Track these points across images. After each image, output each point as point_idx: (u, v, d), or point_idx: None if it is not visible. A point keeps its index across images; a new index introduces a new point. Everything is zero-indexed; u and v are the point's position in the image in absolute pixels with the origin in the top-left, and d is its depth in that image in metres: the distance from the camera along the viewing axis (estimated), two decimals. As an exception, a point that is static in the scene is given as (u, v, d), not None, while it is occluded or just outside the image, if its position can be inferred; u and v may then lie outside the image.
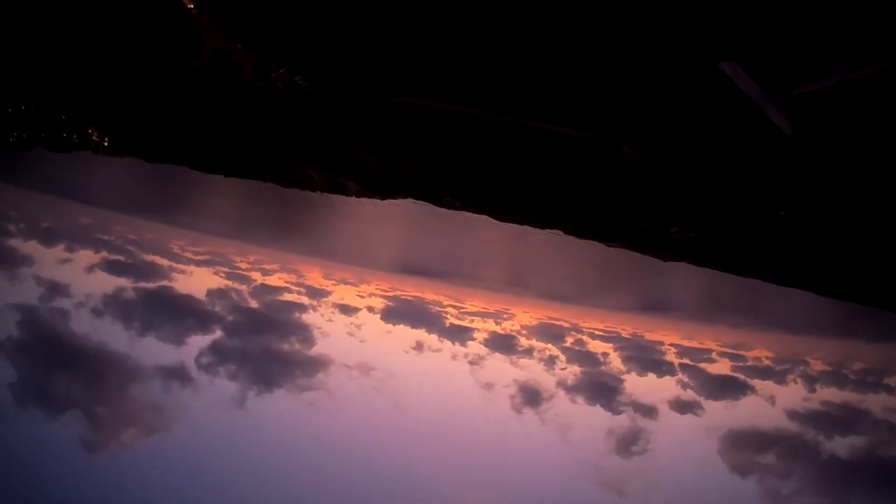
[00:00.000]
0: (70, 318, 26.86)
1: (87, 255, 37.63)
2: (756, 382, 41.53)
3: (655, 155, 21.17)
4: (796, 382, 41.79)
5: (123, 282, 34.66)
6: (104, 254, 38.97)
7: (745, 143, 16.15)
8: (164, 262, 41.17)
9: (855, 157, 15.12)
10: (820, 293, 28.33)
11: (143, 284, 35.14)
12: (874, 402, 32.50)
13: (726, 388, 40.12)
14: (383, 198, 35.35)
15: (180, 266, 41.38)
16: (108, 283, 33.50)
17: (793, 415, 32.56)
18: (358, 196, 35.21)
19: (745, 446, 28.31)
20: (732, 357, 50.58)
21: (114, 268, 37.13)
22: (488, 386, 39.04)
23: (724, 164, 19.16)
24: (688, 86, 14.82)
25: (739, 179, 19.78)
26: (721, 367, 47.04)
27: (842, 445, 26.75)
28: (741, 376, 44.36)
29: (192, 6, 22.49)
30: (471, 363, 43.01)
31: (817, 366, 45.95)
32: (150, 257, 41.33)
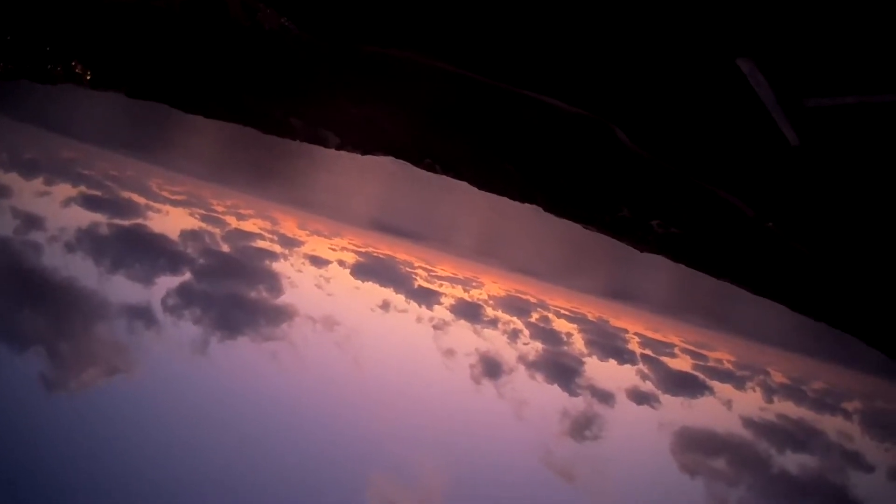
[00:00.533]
0: (42, 252, 26.28)
1: (65, 189, 37.34)
2: (715, 384, 41.49)
3: (649, 144, 20.33)
4: (755, 391, 41.75)
5: (99, 217, 34.34)
6: (82, 188, 38.57)
7: (746, 147, 15.28)
8: (142, 199, 40.78)
9: (857, 182, 14.33)
10: (792, 308, 27.86)
11: (117, 221, 34.67)
12: (829, 424, 32.45)
13: (685, 385, 40.31)
14: (363, 153, 34.27)
15: (157, 205, 41.13)
16: (84, 217, 33.19)
17: (748, 422, 32.80)
18: (338, 149, 34.07)
19: (696, 447, 28.35)
20: (694, 355, 50.27)
21: (90, 203, 36.49)
22: (450, 353, 39.37)
23: (719, 163, 18.33)
24: (697, 78, 13.87)
25: (732, 182, 18.97)
26: (682, 364, 47.00)
27: (793, 462, 26.76)
28: (701, 375, 44.45)
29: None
30: (435, 328, 43.34)
31: (777, 377, 46.06)
32: (127, 194, 40.86)
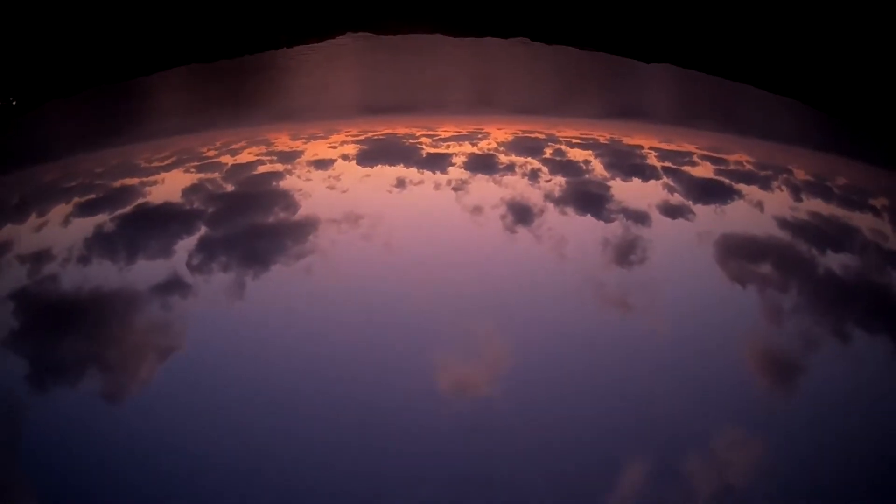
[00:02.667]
0: (60, 280, 24.02)
1: (60, 210, 35.33)
2: (741, 187, 39.43)
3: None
4: (782, 190, 39.34)
5: (101, 217, 32.19)
6: (76, 200, 36.53)
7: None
8: (135, 180, 39.07)
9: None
10: (808, 104, 24.29)
11: (119, 212, 32.62)
12: (861, 222, 30.02)
13: (713, 191, 37.90)
14: (320, 40, 30.40)
15: (150, 178, 39.20)
16: (87, 225, 30.94)
17: (783, 223, 30.45)
18: (290, 46, 30.20)
19: (739, 254, 26.00)
20: (714, 160, 48.68)
21: (87, 209, 34.38)
22: (477, 210, 36.39)
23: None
24: None
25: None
26: (704, 171, 44.99)
27: (835, 262, 24.29)
28: (726, 180, 42.55)
29: None
30: (455, 189, 39.98)
31: (800, 175, 44.18)
32: (119, 183, 38.98)
